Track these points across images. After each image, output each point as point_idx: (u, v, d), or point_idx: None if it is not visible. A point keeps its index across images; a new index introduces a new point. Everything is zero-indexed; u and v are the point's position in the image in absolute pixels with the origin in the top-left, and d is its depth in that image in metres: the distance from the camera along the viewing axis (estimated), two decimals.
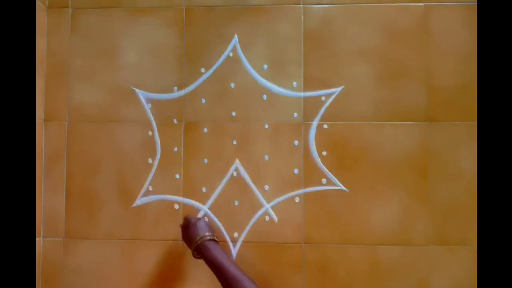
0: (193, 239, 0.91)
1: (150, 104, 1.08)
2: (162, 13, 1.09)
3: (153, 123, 1.07)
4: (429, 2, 1.06)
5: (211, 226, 0.96)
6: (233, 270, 0.85)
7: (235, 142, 1.06)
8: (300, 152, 1.05)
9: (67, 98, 1.09)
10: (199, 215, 1.05)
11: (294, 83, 1.06)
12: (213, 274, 0.86)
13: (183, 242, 0.98)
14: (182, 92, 1.08)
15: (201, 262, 0.95)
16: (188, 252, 1.03)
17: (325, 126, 1.05)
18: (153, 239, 1.05)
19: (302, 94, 1.06)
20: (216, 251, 0.88)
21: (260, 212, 1.04)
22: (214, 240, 0.91)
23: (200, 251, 0.90)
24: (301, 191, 1.04)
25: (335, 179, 1.04)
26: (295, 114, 1.05)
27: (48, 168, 1.07)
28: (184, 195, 1.05)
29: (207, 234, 0.91)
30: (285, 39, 1.07)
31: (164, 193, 1.06)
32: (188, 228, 0.94)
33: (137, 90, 1.08)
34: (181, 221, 1.04)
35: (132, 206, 1.06)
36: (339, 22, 1.07)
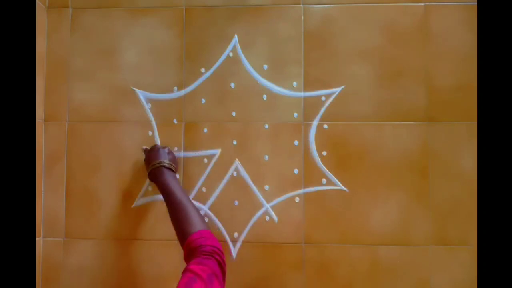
0: (151, 162, 0.96)
1: (150, 104, 1.08)
2: (162, 13, 1.09)
3: (153, 123, 1.07)
4: (429, 2, 1.06)
5: (174, 157, 1.00)
6: (180, 196, 0.88)
7: (235, 142, 1.06)
8: (300, 152, 1.05)
9: (67, 98, 1.09)
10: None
11: (294, 83, 1.06)
12: None
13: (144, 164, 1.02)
14: (182, 92, 1.08)
15: None
16: None
17: (325, 126, 1.05)
18: (153, 239, 1.05)
19: (302, 94, 1.06)
20: (169, 178, 0.92)
21: (260, 212, 1.04)
22: (171, 168, 0.95)
23: (154, 175, 0.94)
24: (301, 191, 1.04)
25: (335, 179, 1.04)
26: (295, 114, 1.05)
27: (48, 168, 1.07)
28: None
29: (166, 161, 0.95)
30: (285, 39, 1.07)
31: None
32: (151, 151, 0.99)
33: (137, 90, 1.08)
34: None
35: (132, 206, 1.06)
36: (339, 22, 1.07)
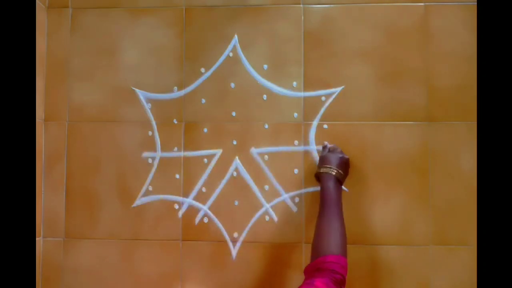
0: (322, 164, 0.94)
1: (150, 104, 1.08)
2: (162, 13, 1.09)
3: (153, 123, 1.07)
4: (429, 2, 1.06)
5: (347, 165, 0.97)
6: (337, 212, 0.87)
7: (235, 142, 1.06)
8: (300, 152, 1.05)
9: (67, 98, 1.09)
10: (199, 215, 1.05)
11: (294, 83, 1.06)
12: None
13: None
14: (182, 92, 1.08)
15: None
16: (188, 252, 1.03)
17: (325, 126, 1.05)
18: (153, 239, 1.05)
19: (302, 94, 1.06)
20: (333, 188, 0.89)
21: (260, 212, 1.04)
22: (338, 178, 0.92)
23: (320, 178, 0.92)
24: (301, 191, 1.04)
25: None
26: (295, 114, 1.05)
27: (48, 168, 1.07)
28: (184, 195, 1.05)
29: (334, 168, 0.92)
30: (285, 39, 1.07)
31: (164, 193, 1.06)
32: (329, 152, 0.97)
33: (137, 90, 1.08)
34: (179, 222, 1.04)
35: (132, 206, 1.06)
36: (339, 22, 1.07)
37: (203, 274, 1.02)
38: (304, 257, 1.02)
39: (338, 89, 1.05)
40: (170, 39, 1.09)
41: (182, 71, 1.08)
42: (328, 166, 0.92)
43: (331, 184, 0.90)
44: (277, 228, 1.03)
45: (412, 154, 1.03)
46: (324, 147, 1.01)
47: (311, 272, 0.79)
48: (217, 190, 1.05)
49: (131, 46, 1.09)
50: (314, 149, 1.04)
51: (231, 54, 1.08)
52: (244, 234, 1.04)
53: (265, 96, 1.06)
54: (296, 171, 1.04)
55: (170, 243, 1.04)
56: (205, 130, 1.06)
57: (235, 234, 1.04)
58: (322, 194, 0.89)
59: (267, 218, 1.04)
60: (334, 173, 0.91)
